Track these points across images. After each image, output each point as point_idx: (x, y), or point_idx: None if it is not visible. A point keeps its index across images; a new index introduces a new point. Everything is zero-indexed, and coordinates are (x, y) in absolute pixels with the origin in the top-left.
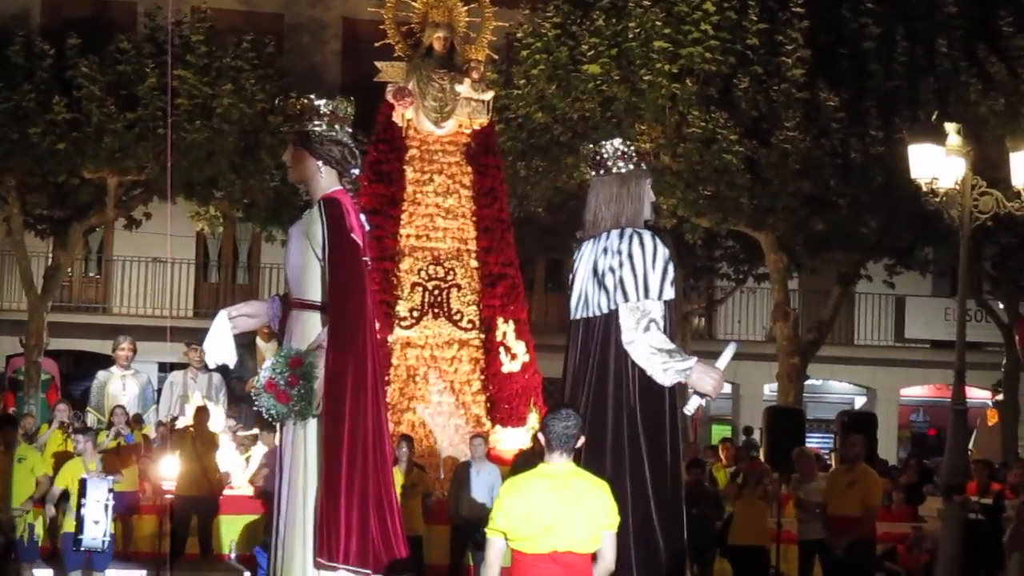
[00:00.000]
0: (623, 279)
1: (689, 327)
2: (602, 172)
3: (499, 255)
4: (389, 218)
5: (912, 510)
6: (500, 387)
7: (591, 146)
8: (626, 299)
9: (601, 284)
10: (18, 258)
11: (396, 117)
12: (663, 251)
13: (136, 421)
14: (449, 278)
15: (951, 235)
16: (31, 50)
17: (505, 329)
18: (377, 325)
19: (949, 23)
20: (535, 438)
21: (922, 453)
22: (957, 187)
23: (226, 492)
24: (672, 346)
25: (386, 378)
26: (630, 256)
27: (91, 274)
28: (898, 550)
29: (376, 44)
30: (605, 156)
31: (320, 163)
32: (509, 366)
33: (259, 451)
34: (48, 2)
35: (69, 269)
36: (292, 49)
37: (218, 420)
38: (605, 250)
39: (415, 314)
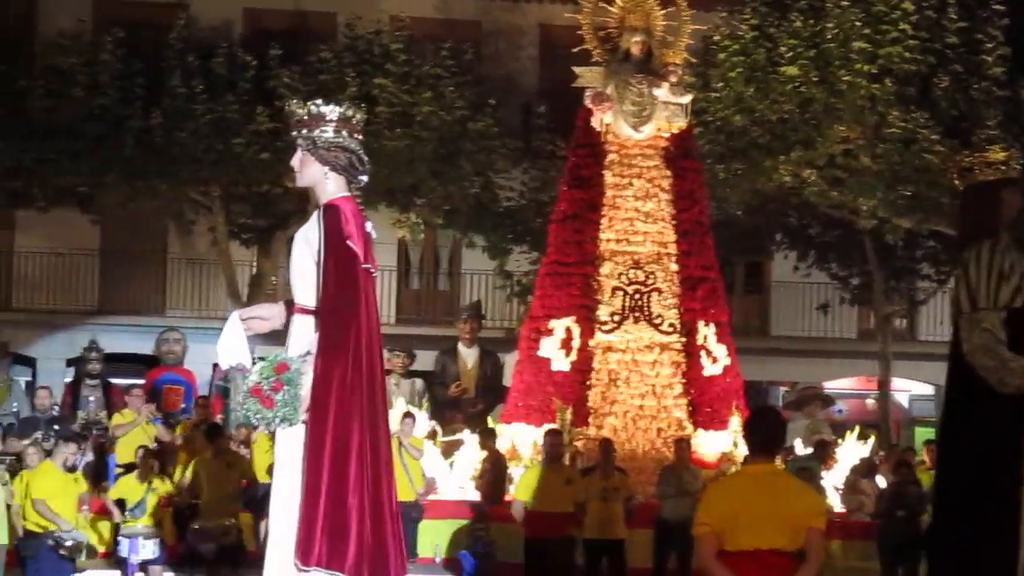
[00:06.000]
0: (958, 291)
1: (891, 328)
2: (965, 182)
3: (699, 258)
4: (589, 223)
5: None
6: (701, 391)
7: (963, 156)
8: (960, 311)
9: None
10: (223, 267)
11: (594, 122)
12: (1000, 259)
13: None
14: (649, 282)
15: None
16: (234, 62)
17: (706, 332)
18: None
19: None
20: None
21: None
22: None
23: (431, 497)
24: (1007, 355)
25: (588, 382)
26: (965, 267)
27: None
28: None
29: (574, 49)
30: (968, 167)
31: (326, 169)
32: (710, 369)
33: (463, 456)
34: (250, 14)
35: (273, 277)
36: (490, 56)
37: (422, 425)
38: (957, 262)
39: (616, 318)
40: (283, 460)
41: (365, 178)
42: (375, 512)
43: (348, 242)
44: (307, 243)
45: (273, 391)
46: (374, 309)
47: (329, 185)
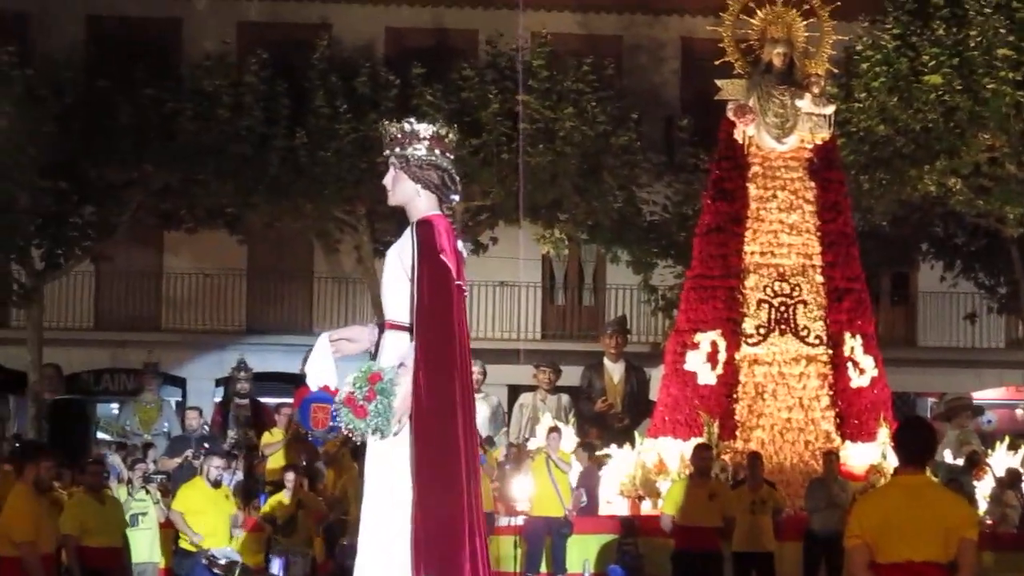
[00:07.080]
0: None
1: None
2: None
3: (844, 269)
4: (733, 235)
5: None
6: (849, 402)
7: None
8: None
9: None
10: (369, 285)
11: (737, 134)
12: None
13: (487, 443)
14: (795, 294)
15: None
16: (376, 81)
17: (852, 344)
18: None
19: None
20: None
21: None
22: None
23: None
24: None
25: (734, 395)
26: None
27: None
28: None
29: (715, 62)
30: None
31: (419, 187)
32: (857, 381)
33: (608, 470)
34: (392, 33)
35: None
36: (631, 70)
37: (568, 440)
38: None
39: (762, 331)
40: (374, 473)
41: (457, 197)
42: (472, 529)
43: (441, 256)
44: (399, 259)
45: (367, 401)
46: (465, 325)
47: (421, 203)
